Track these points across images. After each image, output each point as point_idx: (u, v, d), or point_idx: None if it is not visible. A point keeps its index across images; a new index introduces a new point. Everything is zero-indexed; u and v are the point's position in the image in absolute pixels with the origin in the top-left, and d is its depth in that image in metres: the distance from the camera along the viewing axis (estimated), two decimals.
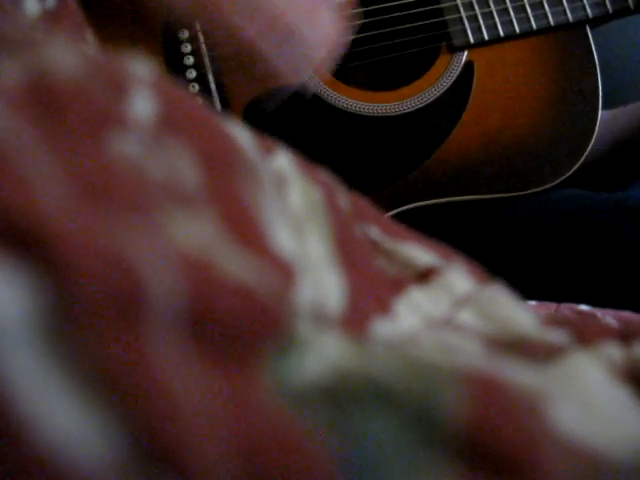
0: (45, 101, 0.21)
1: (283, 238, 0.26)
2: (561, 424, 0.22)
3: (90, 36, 0.42)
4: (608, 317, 0.39)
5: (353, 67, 0.86)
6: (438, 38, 0.83)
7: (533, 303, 0.53)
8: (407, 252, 0.33)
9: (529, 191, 0.79)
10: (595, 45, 0.83)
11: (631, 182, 0.85)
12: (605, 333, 0.30)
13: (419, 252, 0.33)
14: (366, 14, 0.83)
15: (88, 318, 0.17)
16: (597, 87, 0.82)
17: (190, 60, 0.79)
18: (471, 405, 0.20)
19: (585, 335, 0.29)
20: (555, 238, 0.77)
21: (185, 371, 0.18)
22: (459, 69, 0.81)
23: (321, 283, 0.27)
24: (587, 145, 0.80)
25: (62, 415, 0.16)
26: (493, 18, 0.82)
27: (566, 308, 0.49)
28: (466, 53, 0.82)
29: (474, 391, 0.21)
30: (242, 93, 0.79)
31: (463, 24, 0.82)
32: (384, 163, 0.79)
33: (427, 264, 0.32)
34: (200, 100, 0.77)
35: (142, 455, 0.16)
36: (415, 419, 0.20)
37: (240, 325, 0.20)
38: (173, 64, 0.79)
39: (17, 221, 0.17)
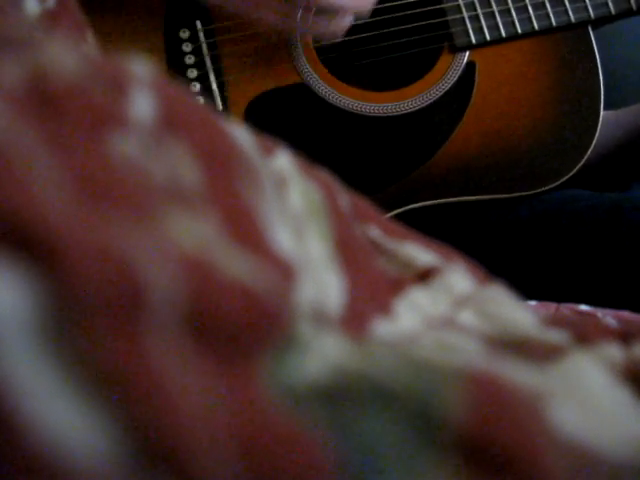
0: (45, 101, 0.21)
1: (283, 238, 0.26)
2: (561, 424, 0.22)
3: (90, 36, 0.42)
4: (608, 317, 0.39)
5: (355, 67, 0.86)
6: (440, 38, 0.83)
7: (533, 303, 0.53)
8: (407, 252, 0.33)
9: (530, 192, 0.79)
10: (597, 46, 0.83)
11: (632, 183, 0.85)
12: (605, 333, 0.30)
13: (419, 252, 0.33)
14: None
15: (88, 318, 0.17)
16: (599, 88, 0.82)
17: (191, 59, 0.79)
18: (471, 405, 0.20)
19: (585, 335, 0.29)
20: (555, 238, 0.77)
21: (185, 371, 0.18)
22: (461, 69, 0.81)
23: (321, 283, 0.27)
24: (589, 146, 0.80)
25: (62, 414, 0.16)
26: (495, 18, 0.82)
27: (566, 308, 0.49)
28: (468, 53, 0.82)
29: (474, 391, 0.21)
30: (243, 93, 0.79)
31: (465, 25, 0.82)
32: (385, 164, 0.79)
33: (427, 264, 0.32)
34: (201, 100, 0.77)
35: (142, 454, 0.16)
36: (415, 419, 0.20)
37: (240, 325, 0.20)
38: (174, 63, 0.79)
39: (17, 221, 0.17)
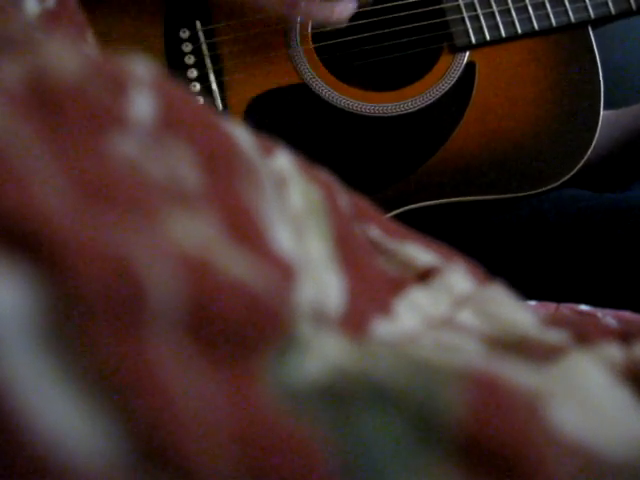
0: (45, 101, 0.21)
1: (283, 238, 0.26)
2: (561, 424, 0.22)
3: (90, 36, 0.42)
4: (608, 317, 0.39)
5: (355, 67, 0.86)
6: (440, 38, 0.83)
7: (533, 303, 0.53)
8: (407, 252, 0.33)
9: (531, 192, 0.79)
10: (597, 46, 0.83)
11: (632, 183, 0.85)
12: (605, 333, 0.30)
13: (419, 252, 0.33)
14: (368, 14, 0.83)
15: (88, 318, 0.17)
16: (599, 88, 0.82)
17: (191, 59, 0.79)
18: (471, 405, 0.20)
19: (585, 335, 0.29)
20: (555, 238, 0.77)
21: (185, 371, 0.18)
22: (460, 70, 0.81)
23: (321, 283, 0.27)
24: (589, 146, 0.80)
25: (62, 414, 0.16)
26: (495, 19, 0.82)
27: (566, 308, 0.49)
28: (468, 54, 0.82)
29: (474, 391, 0.21)
30: (243, 93, 0.79)
31: (465, 25, 0.82)
32: (385, 164, 0.79)
33: (427, 264, 0.32)
34: (201, 100, 0.77)
35: (141, 454, 0.16)
36: (415, 419, 0.20)
37: (240, 325, 0.20)
38: (174, 63, 0.79)
39: (17, 221, 0.17)
